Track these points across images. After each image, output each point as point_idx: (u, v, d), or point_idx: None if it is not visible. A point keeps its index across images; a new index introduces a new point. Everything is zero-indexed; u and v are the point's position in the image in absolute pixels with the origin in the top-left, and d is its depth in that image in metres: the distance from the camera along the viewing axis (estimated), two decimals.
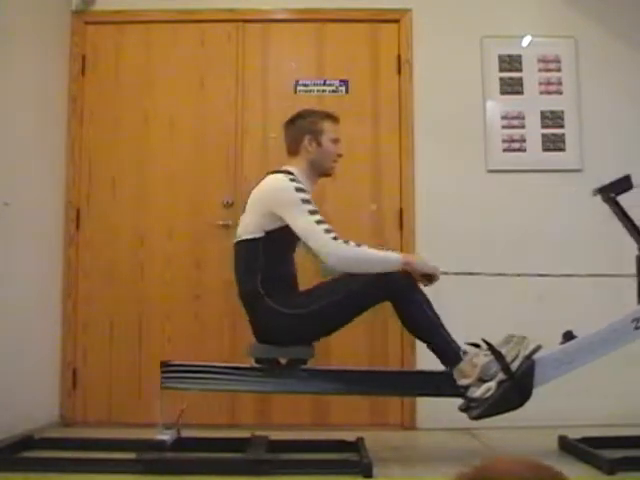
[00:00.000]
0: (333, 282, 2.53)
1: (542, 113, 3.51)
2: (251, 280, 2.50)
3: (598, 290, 3.06)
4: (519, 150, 3.50)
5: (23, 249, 3.03)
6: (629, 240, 2.61)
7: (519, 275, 2.75)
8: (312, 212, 2.42)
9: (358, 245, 2.42)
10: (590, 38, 3.53)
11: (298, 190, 2.45)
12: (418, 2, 3.55)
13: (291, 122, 2.69)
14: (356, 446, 2.60)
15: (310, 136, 2.61)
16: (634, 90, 3.53)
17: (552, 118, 3.51)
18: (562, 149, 3.49)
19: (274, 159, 3.46)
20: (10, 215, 2.88)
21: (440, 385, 2.49)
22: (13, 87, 2.98)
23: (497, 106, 3.53)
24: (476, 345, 2.45)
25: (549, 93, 3.53)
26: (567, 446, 2.65)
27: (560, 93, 3.53)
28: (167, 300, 3.41)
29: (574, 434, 2.68)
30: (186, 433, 2.72)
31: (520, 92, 3.53)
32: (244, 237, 2.53)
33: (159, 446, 2.44)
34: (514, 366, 2.40)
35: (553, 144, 3.50)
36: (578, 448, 2.57)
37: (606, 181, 2.64)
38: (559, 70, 3.54)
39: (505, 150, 3.50)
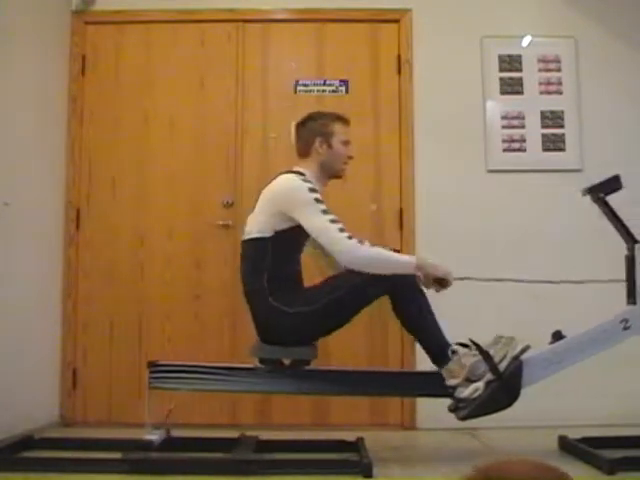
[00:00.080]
0: (334, 278, 2.53)
1: (542, 113, 3.51)
2: (257, 279, 2.50)
3: (597, 290, 3.05)
4: (519, 150, 3.50)
5: (23, 249, 3.03)
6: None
7: (532, 282, 2.74)
8: (325, 212, 2.44)
9: (372, 246, 2.44)
10: (590, 38, 3.53)
11: (311, 190, 2.47)
12: (418, 2, 3.55)
13: (302, 124, 2.70)
14: (356, 446, 2.60)
15: (321, 138, 2.62)
16: (634, 90, 3.54)
17: (552, 118, 3.51)
18: (562, 149, 3.49)
19: (274, 159, 3.48)
20: (10, 215, 2.88)
21: (440, 385, 2.49)
22: (13, 87, 2.98)
23: (497, 106, 3.53)
24: (466, 345, 2.46)
25: (549, 93, 3.53)
26: (567, 446, 2.65)
27: (560, 93, 3.53)
28: (167, 300, 3.41)
29: (574, 434, 2.68)
30: (186, 433, 2.73)
31: (520, 92, 3.53)
32: (253, 235, 2.53)
33: (147, 446, 2.45)
34: (502, 366, 2.40)
35: (553, 144, 3.50)
36: (578, 448, 2.56)
37: None
38: (559, 70, 3.54)
39: (505, 150, 3.50)
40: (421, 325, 2.47)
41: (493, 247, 3.38)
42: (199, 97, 3.54)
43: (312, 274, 2.68)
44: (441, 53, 3.54)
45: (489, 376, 2.39)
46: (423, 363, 2.55)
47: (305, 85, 3.54)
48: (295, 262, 2.61)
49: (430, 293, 2.50)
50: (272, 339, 2.52)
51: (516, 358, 2.43)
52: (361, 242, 2.42)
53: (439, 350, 2.44)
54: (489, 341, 2.48)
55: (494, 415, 2.45)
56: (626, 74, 3.54)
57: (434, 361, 2.47)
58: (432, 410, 3.13)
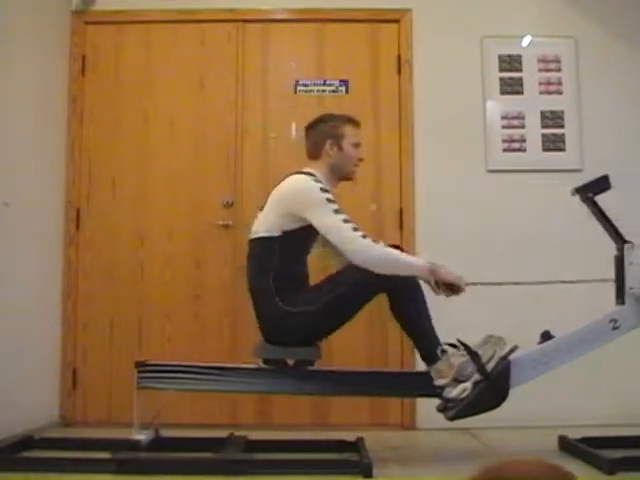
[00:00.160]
0: (335, 276, 2.53)
1: (542, 113, 3.51)
2: (264, 278, 2.51)
3: (597, 290, 3.05)
4: (519, 150, 3.50)
5: (23, 249, 3.03)
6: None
7: (541, 283, 2.73)
8: (337, 211, 2.44)
9: (386, 246, 2.44)
10: (590, 38, 3.53)
11: (323, 190, 2.48)
12: (418, 2, 3.55)
13: (312, 126, 2.70)
14: (356, 446, 2.60)
15: (332, 140, 2.62)
16: (634, 90, 3.54)
17: (552, 118, 3.51)
18: (562, 149, 3.49)
19: (274, 159, 3.48)
20: (10, 215, 2.88)
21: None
22: (13, 87, 2.98)
23: (497, 106, 3.53)
24: (455, 346, 2.46)
25: (549, 93, 3.53)
26: (567, 446, 2.65)
27: (560, 93, 3.53)
28: (167, 300, 3.41)
29: (574, 434, 2.68)
30: (186, 434, 2.73)
31: (520, 92, 3.53)
32: (260, 234, 2.54)
33: (135, 446, 2.45)
34: (490, 366, 2.41)
35: (553, 144, 3.50)
36: (578, 448, 2.56)
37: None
38: (559, 70, 3.54)
39: (505, 150, 3.50)
40: (418, 325, 2.47)
41: (493, 247, 3.38)
42: (199, 97, 3.54)
43: (317, 276, 2.67)
44: (441, 53, 3.54)
45: (477, 376, 2.40)
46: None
47: (305, 85, 3.54)
48: (302, 263, 2.61)
49: (427, 290, 2.50)
50: (276, 339, 2.52)
51: (504, 358, 2.43)
52: (375, 242, 2.42)
53: (431, 350, 2.44)
54: (478, 341, 2.48)
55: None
56: (626, 74, 3.54)
57: (424, 360, 2.48)
58: (432, 410, 3.11)
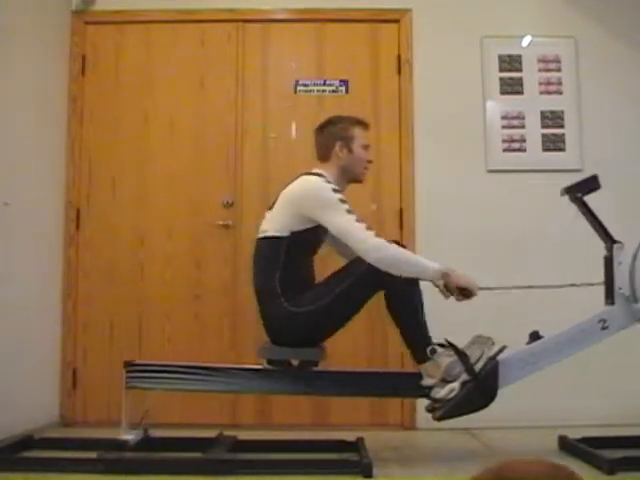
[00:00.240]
0: (337, 273, 2.53)
1: (542, 113, 3.51)
2: (269, 278, 2.51)
3: (598, 290, 3.05)
4: (519, 150, 3.50)
5: (23, 249, 3.03)
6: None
7: (548, 287, 2.73)
8: (350, 211, 2.45)
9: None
10: (590, 38, 3.53)
11: (335, 191, 2.49)
12: (418, 2, 3.55)
13: (321, 129, 2.71)
14: (356, 446, 2.60)
15: (341, 142, 2.63)
16: (634, 90, 3.54)
17: (552, 118, 3.51)
18: (562, 149, 3.50)
19: (274, 159, 3.48)
20: (10, 215, 2.88)
21: None
22: (13, 87, 2.98)
23: (497, 106, 3.53)
24: (443, 345, 2.46)
25: (549, 93, 3.54)
26: (567, 446, 2.65)
27: (560, 93, 3.53)
28: (167, 300, 3.41)
29: (574, 434, 2.68)
30: (184, 433, 2.73)
31: (520, 92, 3.53)
32: (269, 234, 2.54)
33: (122, 446, 2.45)
34: (478, 367, 2.41)
35: (553, 144, 3.50)
36: (578, 448, 2.56)
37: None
38: (559, 70, 3.54)
39: (505, 150, 3.50)
40: (413, 324, 2.47)
41: (493, 247, 3.38)
42: (199, 97, 3.54)
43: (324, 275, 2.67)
44: (441, 53, 3.54)
45: (465, 376, 2.40)
46: None
47: (305, 85, 3.54)
48: (308, 264, 2.62)
49: (428, 290, 2.50)
50: (281, 339, 2.52)
51: (492, 358, 2.43)
52: (389, 242, 2.43)
53: (422, 349, 2.45)
54: (468, 342, 2.49)
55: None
56: (626, 74, 3.54)
57: (415, 358, 2.49)
58: None
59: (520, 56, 3.55)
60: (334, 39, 3.57)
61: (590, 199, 2.66)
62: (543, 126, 3.50)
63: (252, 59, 3.56)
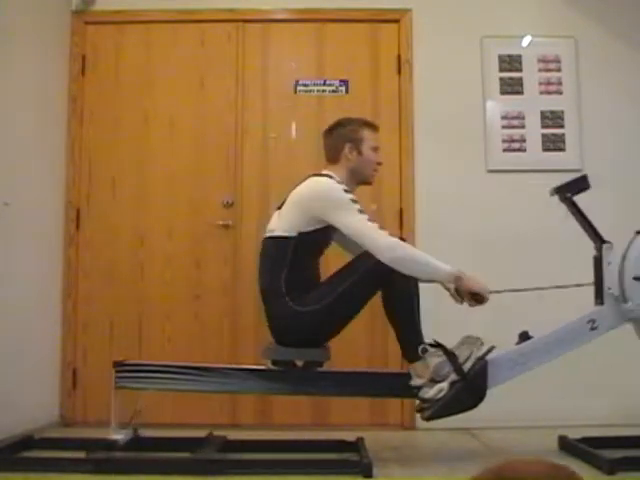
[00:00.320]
0: (340, 272, 2.53)
1: (542, 113, 3.51)
2: (275, 278, 2.50)
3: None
4: (519, 150, 3.50)
5: (23, 249, 3.03)
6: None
7: (556, 287, 2.72)
8: (361, 212, 2.46)
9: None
10: (590, 38, 3.53)
11: (346, 191, 2.50)
12: (418, 2, 3.55)
13: (330, 131, 2.70)
14: (356, 446, 2.60)
15: (351, 144, 2.63)
16: (634, 90, 3.54)
17: (552, 118, 3.51)
18: (562, 149, 3.50)
19: (274, 159, 3.49)
20: (10, 215, 2.88)
21: None
22: (13, 87, 2.98)
23: (497, 106, 3.53)
24: (432, 345, 2.46)
25: (549, 93, 3.54)
26: (567, 446, 2.65)
27: (560, 93, 3.53)
28: (167, 300, 3.41)
29: (574, 434, 2.68)
30: (184, 433, 2.73)
31: (520, 92, 3.53)
32: (276, 234, 2.54)
33: (111, 445, 2.45)
34: (466, 367, 2.41)
35: (553, 144, 3.50)
36: (578, 448, 2.56)
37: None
38: (559, 70, 3.54)
39: (505, 150, 3.50)
40: (408, 323, 2.47)
41: (493, 247, 3.38)
42: (199, 97, 3.54)
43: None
44: (441, 53, 3.54)
45: (453, 376, 2.40)
46: None
47: (305, 85, 3.54)
48: (314, 265, 2.62)
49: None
50: (287, 339, 2.52)
51: (481, 359, 2.43)
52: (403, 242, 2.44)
53: (414, 348, 2.45)
54: (457, 342, 2.49)
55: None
56: (626, 74, 3.54)
57: (406, 357, 2.50)
58: None
59: (520, 56, 3.55)
60: (334, 39, 3.58)
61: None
62: (543, 126, 3.51)
63: (252, 59, 3.56)
